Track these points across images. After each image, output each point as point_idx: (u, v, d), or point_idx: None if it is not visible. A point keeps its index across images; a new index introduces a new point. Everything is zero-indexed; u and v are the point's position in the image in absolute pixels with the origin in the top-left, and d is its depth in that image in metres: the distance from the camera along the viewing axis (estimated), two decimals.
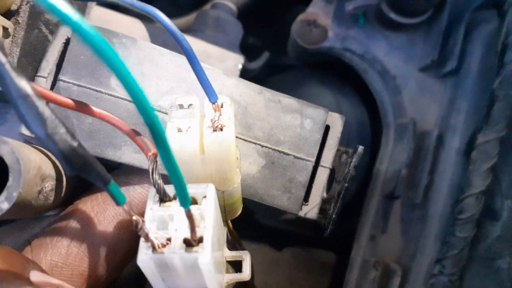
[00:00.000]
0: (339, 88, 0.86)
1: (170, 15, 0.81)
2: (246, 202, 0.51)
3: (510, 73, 0.58)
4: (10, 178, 0.37)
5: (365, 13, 0.71)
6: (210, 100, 0.38)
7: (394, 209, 0.68)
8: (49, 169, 0.42)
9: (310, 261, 0.91)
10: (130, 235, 0.46)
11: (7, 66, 0.28)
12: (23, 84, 0.28)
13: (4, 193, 0.36)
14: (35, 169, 0.39)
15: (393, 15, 0.68)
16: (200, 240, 0.35)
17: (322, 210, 0.54)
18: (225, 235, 0.45)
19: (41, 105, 0.29)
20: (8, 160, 0.37)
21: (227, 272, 0.45)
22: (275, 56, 0.86)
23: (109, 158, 0.45)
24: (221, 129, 0.38)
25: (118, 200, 0.32)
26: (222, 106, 0.39)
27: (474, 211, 0.58)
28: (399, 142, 0.69)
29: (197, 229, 0.35)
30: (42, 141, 0.29)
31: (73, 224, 0.45)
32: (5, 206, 0.36)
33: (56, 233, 0.45)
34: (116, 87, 0.46)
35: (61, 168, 0.45)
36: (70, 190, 0.48)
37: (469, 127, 0.66)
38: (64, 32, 0.47)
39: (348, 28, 0.72)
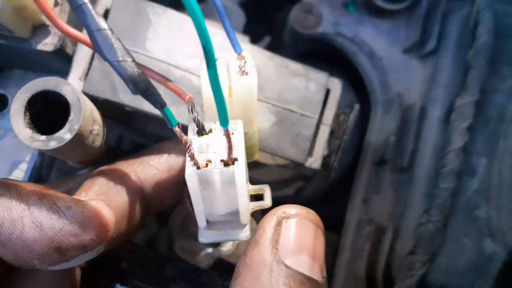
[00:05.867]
0: (329, 75, 0.94)
1: (177, 8, 0.90)
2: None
3: (481, 45, 0.67)
4: (72, 113, 0.44)
5: (355, 1, 0.80)
6: (236, 51, 0.46)
7: (384, 173, 0.76)
8: (97, 115, 0.49)
9: None
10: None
11: (88, 5, 0.36)
12: (101, 20, 0.36)
13: (67, 125, 0.43)
14: (89, 110, 0.46)
15: (379, 2, 0.77)
16: (235, 160, 0.42)
17: (324, 164, 0.61)
18: (247, 173, 0.52)
19: (113, 37, 0.36)
20: (70, 98, 0.44)
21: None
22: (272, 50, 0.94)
23: (145, 110, 0.53)
24: (247, 74, 0.45)
25: (171, 122, 0.39)
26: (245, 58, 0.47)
27: (454, 164, 0.66)
28: (387, 114, 0.78)
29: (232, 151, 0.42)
30: (114, 66, 0.36)
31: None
32: (68, 136, 0.43)
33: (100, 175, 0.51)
34: (150, 49, 0.54)
35: (102, 120, 0.52)
36: (103, 149, 0.55)
37: (447, 99, 0.75)
38: (103, 4, 0.54)
39: (340, 15, 0.81)
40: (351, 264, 0.72)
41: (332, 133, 0.62)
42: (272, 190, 0.94)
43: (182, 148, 0.41)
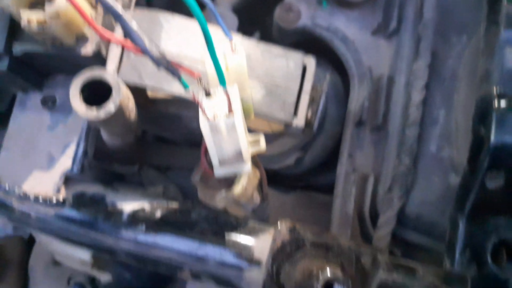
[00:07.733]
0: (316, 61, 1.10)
1: (182, 13, 1.05)
2: None
3: (427, 20, 0.84)
4: (113, 92, 0.61)
5: None
6: (227, 37, 0.63)
7: (364, 133, 0.92)
8: (130, 95, 0.66)
9: (310, 201, 1.13)
10: None
11: (124, 15, 0.53)
12: (133, 23, 0.53)
13: (111, 100, 0.61)
14: (125, 89, 0.63)
15: None
16: (234, 111, 0.58)
17: (307, 123, 0.78)
18: (246, 126, 0.69)
19: (142, 33, 0.53)
20: (111, 81, 0.61)
21: None
22: None
23: (164, 88, 0.70)
24: (236, 52, 0.62)
25: (185, 86, 0.56)
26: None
27: (416, 116, 0.82)
28: (361, 85, 0.94)
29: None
30: (144, 50, 0.53)
31: None
32: (112, 108, 0.60)
33: None
34: (165, 46, 0.71)
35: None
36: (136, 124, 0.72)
37: (409, 68, 0.91)
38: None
39: (315, 10, 0.98)
40: (343, 207, 0.88)
41: (313, 99, 0.79)
42: (274, 162, 1.12)
43: None
